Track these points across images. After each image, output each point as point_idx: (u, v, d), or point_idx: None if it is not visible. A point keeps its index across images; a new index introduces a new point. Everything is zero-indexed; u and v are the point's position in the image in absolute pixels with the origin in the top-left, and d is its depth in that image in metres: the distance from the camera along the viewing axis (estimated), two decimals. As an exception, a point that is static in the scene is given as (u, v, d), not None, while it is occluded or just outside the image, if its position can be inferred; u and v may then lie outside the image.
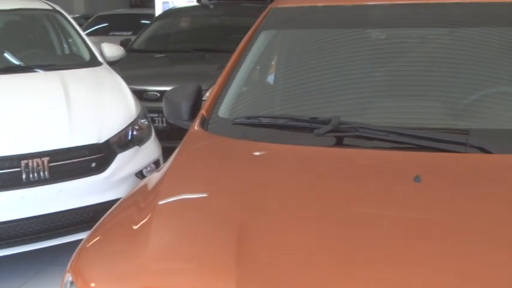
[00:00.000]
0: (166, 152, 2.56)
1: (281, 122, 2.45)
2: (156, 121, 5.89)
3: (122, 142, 4.17)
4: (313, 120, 2.37)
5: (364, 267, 1.65)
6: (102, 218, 2.18)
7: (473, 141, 2.19)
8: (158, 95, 5.90)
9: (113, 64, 5.24)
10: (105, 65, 5.09)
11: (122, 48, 5.64)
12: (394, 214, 1.90)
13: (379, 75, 2.75)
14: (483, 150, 2.17)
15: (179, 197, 2.15)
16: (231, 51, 3.05)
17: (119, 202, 2.29)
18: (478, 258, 1.66)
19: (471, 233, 1.77)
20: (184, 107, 2.74)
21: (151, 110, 5.23)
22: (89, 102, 4.30)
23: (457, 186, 2.03)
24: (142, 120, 4.45)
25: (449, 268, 1.62)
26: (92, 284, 1.78)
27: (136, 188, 2.37)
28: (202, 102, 2.83)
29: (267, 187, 2.11)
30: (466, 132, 2.28)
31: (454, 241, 1.73)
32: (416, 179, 2.00)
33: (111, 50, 5.31)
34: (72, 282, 1.84)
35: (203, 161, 2.40)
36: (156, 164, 4.36)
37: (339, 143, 2.30)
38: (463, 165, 2.14)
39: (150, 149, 4.42)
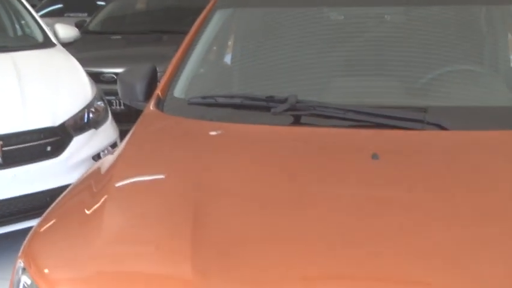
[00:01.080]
0: (124, 135, 2.51)
1: (237, 101, 2.41)
2: (114, 104, 5.79)
3: (77, 125, 4.08)
4: (270, 99, 2.35)
5: (321, 245, 1.64)
6: (54, 203, 2.13)
7: (430, 118, 2.19)
8: (115, 77, 5.79)
9: (67, 46, 5.12)
10: (59, 47, 4.98)
11: (76, 29, 5.52)
12: (352, 192, 1.90)
13: (337, 54, 2.73)
14: (440, 127, 2.17)
15: (133, 180, 2.11)
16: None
17: (71, 186, 2.24)
18: (435, 235, 1.67)
19: (428, 209, 1.78)
20: (139, 87, 2.69)
21: (108, 93, 5.14)
22: (42, 85, 4.19)
23: (415, 163, 2.04)
24: (98, 103, 4.37)
25: (406, 245, 1.63)
26: (46, 270, 1.73)
27: (89, 171, 2.32)
28: (158, 83, 2.78)
29: (224, 168, 2.08)
30: (423, 109, 2.28)
31: (411, 218, 1.74)
32: (374, 156, 1.99)
33: (65, 31, 5.19)
34: (24, 269, 1.79)
35: (158, 142, 2.36)
36: (114, 147, 4.29)
37: (297, 121, 2.28)
38: (420, 141, 2.15)
39: (107, 132, 4.34)
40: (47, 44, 4.96)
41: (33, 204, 3.80)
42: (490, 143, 2.13)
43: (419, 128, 2.16)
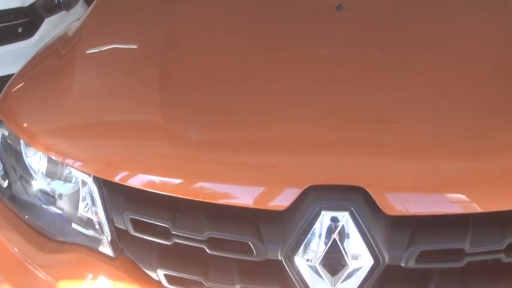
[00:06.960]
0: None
1: None
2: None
3: (48, 6, 4.04)
4: None
5: (294, 95, 1.66)
6: (21, 67, 2.13)
7: None
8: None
9: None
10: None
11: None
12: (317, 42, 1.93)
13: None
14: None
15: (102, 39, 2.10)
16: None
17: (37, 51, 2.22)
18: (405, 85, 1.69)
19: (396, 57, 1.82)
20: None
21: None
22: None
23: (379, 12, 2.06)
24: (68, -16, 4.29)
25: (376, 92, 1.66)
26: (24, 124, 1.75)
27: (55, 37, 2.31)
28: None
29: (191, 26, 2.09)
30: None
31: (379, 66, 1.78)
32: (338, 7, 2.02)
33: None
34: (1, 122, 1.83)
35: (126, 3, 2.35)
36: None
37: None
38: None
39: (79, 14, 4.27)
40: None
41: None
42: None
43: None
